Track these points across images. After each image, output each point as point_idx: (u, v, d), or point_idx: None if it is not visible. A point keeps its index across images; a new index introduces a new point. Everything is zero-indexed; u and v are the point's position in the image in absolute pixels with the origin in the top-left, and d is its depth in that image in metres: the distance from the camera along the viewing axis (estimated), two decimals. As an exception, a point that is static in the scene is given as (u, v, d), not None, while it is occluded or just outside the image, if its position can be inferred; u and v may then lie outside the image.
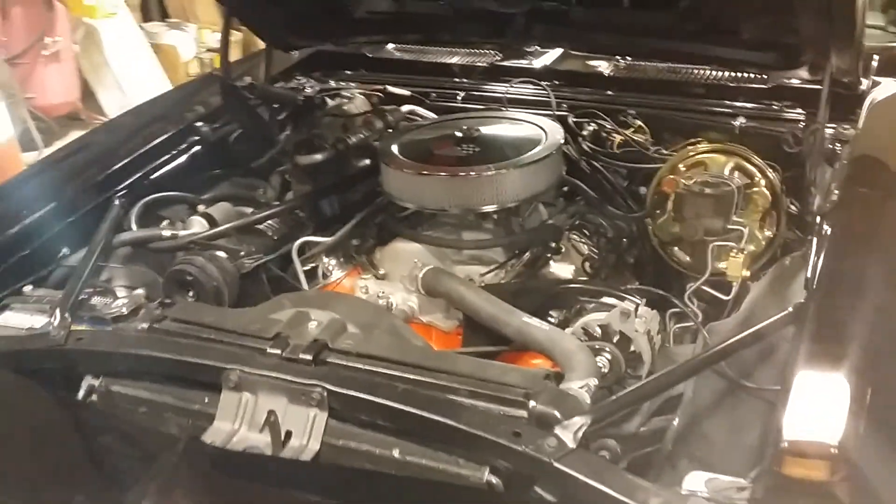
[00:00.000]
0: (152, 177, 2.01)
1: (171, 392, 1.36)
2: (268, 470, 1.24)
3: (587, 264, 1.83)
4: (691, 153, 1.89)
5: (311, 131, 2.08)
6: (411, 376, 1.26)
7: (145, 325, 1.43)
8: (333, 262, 1.82)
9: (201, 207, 1.93)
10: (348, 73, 2.43)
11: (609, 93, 2.13)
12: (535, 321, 1.46)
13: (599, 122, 2.04)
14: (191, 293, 1.69)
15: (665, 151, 1.96)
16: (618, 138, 2.00)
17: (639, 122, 2.02)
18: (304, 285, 1.76)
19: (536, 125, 1.91)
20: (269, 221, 1.88)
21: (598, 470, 1.12)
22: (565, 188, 1.98)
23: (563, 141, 1.84)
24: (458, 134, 1.87)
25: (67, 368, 1.42)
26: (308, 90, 2.29)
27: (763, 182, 1.81)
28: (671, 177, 1.85)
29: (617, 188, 1.96)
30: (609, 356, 1.45)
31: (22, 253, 1.73)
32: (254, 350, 1.33)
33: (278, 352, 1.31)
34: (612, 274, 1.88)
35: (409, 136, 1.93)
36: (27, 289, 1.65)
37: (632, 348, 1.47)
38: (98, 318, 1.49)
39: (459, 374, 1.27)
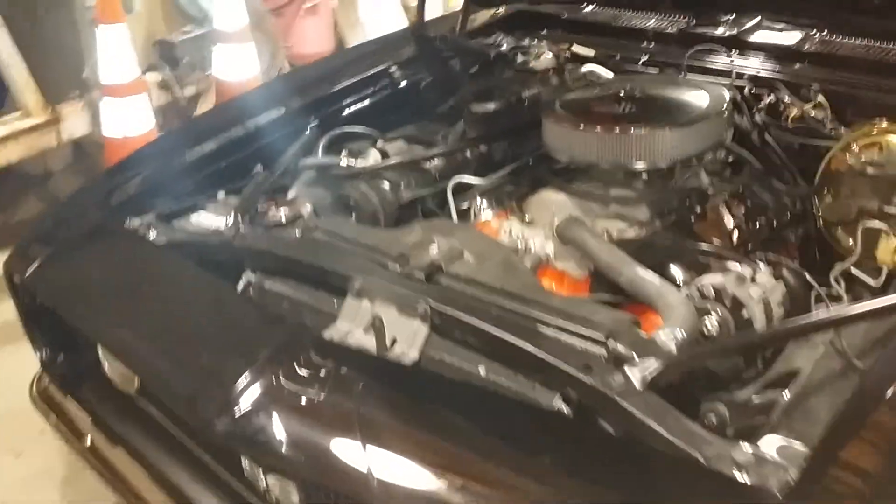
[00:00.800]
0: (344, 112, 2.23)
1: (307, 292, 1.55)
2: (372, 368, 1.38)
3: (735, 234, 1.81)
4: (868, 132, 1.79)
5: (491, 83, 2.19)
6: (507, 304, 1.35)
7: (298, 233, 1.63)
8: (486, 203, 1.93)
9: (380, 143, 2.11)
10: (544, 32, 2.51)
11: (797, 66, 2.05)
12: (648, 274, 1.48)
13: (778, 94, 1.98)
14: (353, 216, 1.88)
15: (843, 130, 1.87)
16: (794, 112, 1.94)
17: (820, 98, 1.94)
18: (455, 221, 1.88)
19: (703, 90, 1.90)
20: (436, 162, 2.02)
21: (658, 412, 1.15)
22: (731, 158, 1.96)
23: (724, 107, 1.82)
24: (621, 94, 1.90)
25: (234, 263, 1.65)
26: (501, 46, 2.40)
27: (939, 168, 1.69)
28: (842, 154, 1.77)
29: (785, 162, 1.90)
30: (717, 318, 1.45)
31: (222, 164, 2.00)
32: (379, 264, 1.48)
33: (398, 268, 1.45)
34: (764, 249, 1.84)
35: (575, 94, 1.98)
36: (220, 195, 1.91)
37: (744, 314, 1.46)
38: (263, 224, 1.71)
39: (552, 307, 1.34)
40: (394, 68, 2.31)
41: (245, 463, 1.32)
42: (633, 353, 1.23)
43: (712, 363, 1.36)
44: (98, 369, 1.70)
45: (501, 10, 2.58)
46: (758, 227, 1.83)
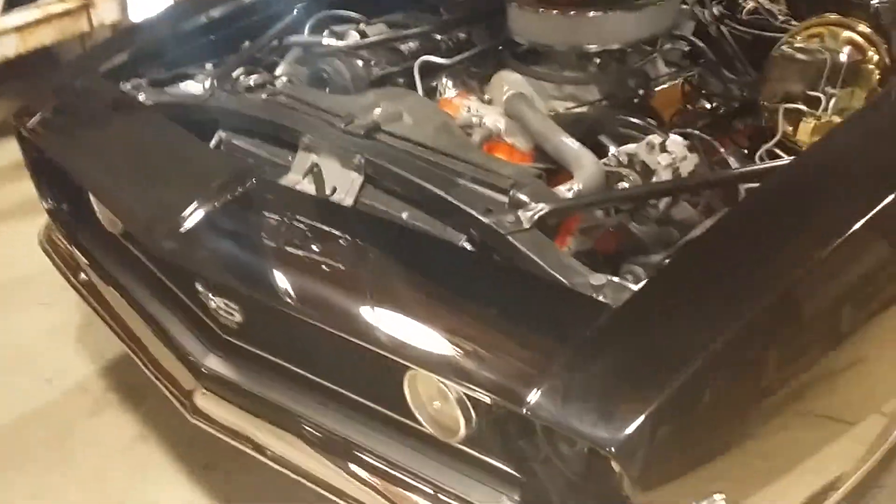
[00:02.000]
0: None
1: (267, 147, 1.73)
2: (313, 212, 1.55)
3: (676, 114, 1.92)
4: (811, 24, 1.88)
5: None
6: (431, 158, 1.52)
7: (264, 96, 1.80)
8: (451, 82, 2.06)
9: (363, 26, 2.24)
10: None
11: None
12: (570, 141, 1.63)
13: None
14: (327, 89, 2.04)
15: (794, 22, 1.96)
16: (749, 5, 2.02)
17: (777, -8, 2.02)
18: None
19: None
20: (411, 44, 2.15)
21: (543, 249, 1.32)
22: (688, 48, 2.06)
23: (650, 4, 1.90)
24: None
25: (209, 122, 1.83)
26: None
27: (876, 59, 1.77)
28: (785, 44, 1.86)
29: (736, 52, 1.99)
30: (629, 182, 1.58)
31: (213, 37, 2.16)
32: (327, 123, 1.65)
33: (342, 125, 1.62)
34: (712, 132, 1.94)
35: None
36: (208, 66, 2.08)
37: (653, 180, 1.59)
38: (235, 88, 1.88)
39: (470, 162, 1.50)
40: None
41: (198, 286, 1.52)
42: (529, 199, 1.38)
43: (642, 233, 1.51)
44: (93, 215, 1.92)
45: None
46: (700, 110, 1.94)
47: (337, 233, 1.39)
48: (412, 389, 1.29)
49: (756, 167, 1.52)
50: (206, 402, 1.55)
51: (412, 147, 1.56)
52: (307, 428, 1.46)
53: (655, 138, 1.58)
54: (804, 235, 1.23)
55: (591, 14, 1.86)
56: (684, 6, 2.07)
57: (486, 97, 2.01)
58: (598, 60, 1.94)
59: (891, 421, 1.42)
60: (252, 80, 1.87)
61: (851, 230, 1.22)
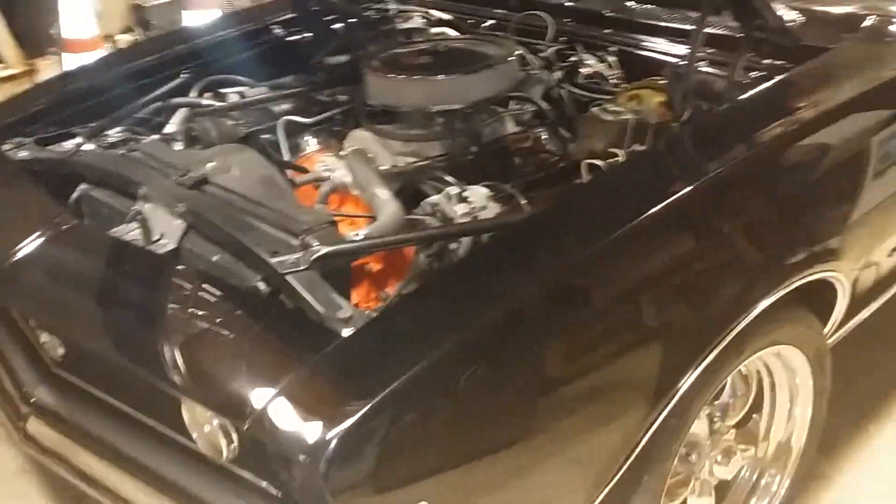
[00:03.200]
0: (227, 62, 2.55)
1: (117, 198, 1.88)
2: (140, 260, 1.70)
3: (506, 168, 2.06)
4: (633, 87, 2.05)
5: (351, 40, 2.49)
6: (243, 206, 1.67)
7: (121, 151, 1.97)
8: (313, 139, 2.23)
9: (245, 88, 2.42)
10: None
11: (608, 31, 2.31)
12: (381, 192, 1.78)
13: (581, 55, 2.25)
14: (198, 146, 2.20)
15: (625, 85, 2.13)
16: (587, 69, 2.20)
17: (610, 59, 2.20)
18: (284, 154, 2.19)
19: (505, 47, 2.15)
20: (283, 106, 2.33)
21: (313, 287, 1.45)
22: (533, 109, 2.22)
23: (506, 61, 2.07)
24: (429, 48, 2.19)
25: (74, 175, 2.00)
26: (384, 10, 2.69)
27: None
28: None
29: (566, 111, 2.15)
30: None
31: (104, 98, 2.32)
32: (164, 175, 1.81)
33: (175, 178, 1.78)
34: (547, 184, 2.09)
35: (397, 49, 2.26)
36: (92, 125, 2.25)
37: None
38: (101, 145, 2.05)
39: (276, 210, 1.65)
40: (276, 26, 2.62)
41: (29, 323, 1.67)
42: (317, 242, 1.53)
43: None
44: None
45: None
46: (529, 164, 2.09)
47: (138, 276, 1.54)
48: (190, 414, 1.42)
49: (496, 219, 1.68)
50: (36, 429, 1.68)
51: (231, 197, 1.71)
52: (124, 458, 1.58)
53: (453, 190, 1.73)
54: (530, 274, 1.37)
55: (432, 78, 2.03)
56: (534, 70, 2.26)
57: (342, 153, 2.17)
58: (441, 120, 2.10)
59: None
60: (115, 136, 2.04)
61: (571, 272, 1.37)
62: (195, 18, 4.16)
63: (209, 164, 1.81)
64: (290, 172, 2.05)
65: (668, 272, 1.52)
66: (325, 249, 1.49)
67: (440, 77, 2.02)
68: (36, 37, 3.65)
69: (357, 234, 1.61)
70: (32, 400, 1.70)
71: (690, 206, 1.55)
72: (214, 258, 1.64)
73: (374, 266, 1.74)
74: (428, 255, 1.66)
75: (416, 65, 2.12)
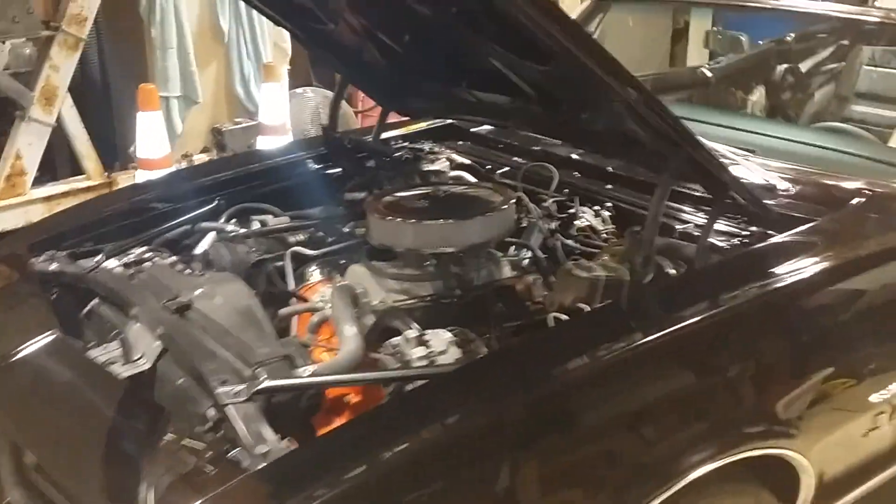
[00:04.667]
0: (261, 190, 2.74)
1: (118, 316, 2.04)
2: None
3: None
4: (616, 244, 2.10)
5: (374, 178, 2.65)
6: (213, 332, 1.79)
7: (131, 272, 2.14)
8: (317, 270, 2.35)
9: (268, 217, 2.60)
10: (461, 143, 2.93)
11: (609, 186, 2.38)
12: (348, 328, 1.86)
13: (580, 207, 2.33)
14: (214, 269, 2.36)
15: (614, 241, 2.19)
16: (580, 223, 2.27)
17: (604, 213, 2.27)
18: (289, 283, 2.32)
19: (503, 195, 2.25)
20: (300, 236, 2.48)
21: (247, 418, 1.53)
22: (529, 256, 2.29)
23: (500, 209, 2.15)
24: (430, 193, 2.31)
25: (86, 291, 2.18)
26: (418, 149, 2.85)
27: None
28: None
29: (560, 261, 2.21)
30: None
31: (140, 219, 2.53)
32: (155, 298, 1.96)
33: (163, 302, 1.92)
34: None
35: (399, 192, 2.38)
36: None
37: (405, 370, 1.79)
38: (121, 263, 2.23)
39: (241, 341, 1.76)
40: (310, 160, 2.82)
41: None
42: (265, 375, 1.62)
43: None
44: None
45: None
46: (513, 311, 2.13)
47: (97, 397, 1.68)
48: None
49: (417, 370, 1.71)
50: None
51: (208, 324, 1.83)
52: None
53: (411, 333, 1.81)
54: (430, 425, 1.44)
55: (426, 223, 2.14)
56: (534, 219, 2.34)
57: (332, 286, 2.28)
58: (433, 261, 2.20)
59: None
60: (136, 256, 2.22)
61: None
62: (268, 143, 4.46)
63: (197, 291, 1.95)
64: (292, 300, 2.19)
65: (602, 429, 1.54)
66: (266, 384, 1.58)
67: (433, 221, 2.13)
68: (116, 153, 3.98)
69: (305, 370, 1.69)
70: (6, 501, 1.82)
71: (627, 367, 1.58)
72: (179, 381, 1.75)
73: (353, 397, 1.81)
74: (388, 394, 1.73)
75: (413, 208, 2.24)
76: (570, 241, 2.26)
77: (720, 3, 3.17)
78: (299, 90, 5.10)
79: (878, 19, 2.76)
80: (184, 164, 4.04)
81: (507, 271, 2.27)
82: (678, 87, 3.85)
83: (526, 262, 2.29)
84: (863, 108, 3.95)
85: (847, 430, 1.84)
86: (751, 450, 1.66)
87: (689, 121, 2.59)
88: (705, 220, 1.95)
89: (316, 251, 2.37)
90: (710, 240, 1.96)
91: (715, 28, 3.15)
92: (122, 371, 1.81)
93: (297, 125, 4.93)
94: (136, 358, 1.85)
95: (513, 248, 2.33)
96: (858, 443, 1.89)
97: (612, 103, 1.69)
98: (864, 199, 2.07)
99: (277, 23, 2.68)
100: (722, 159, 1.99)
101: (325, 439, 1.56)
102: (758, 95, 3.96)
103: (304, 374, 1.68)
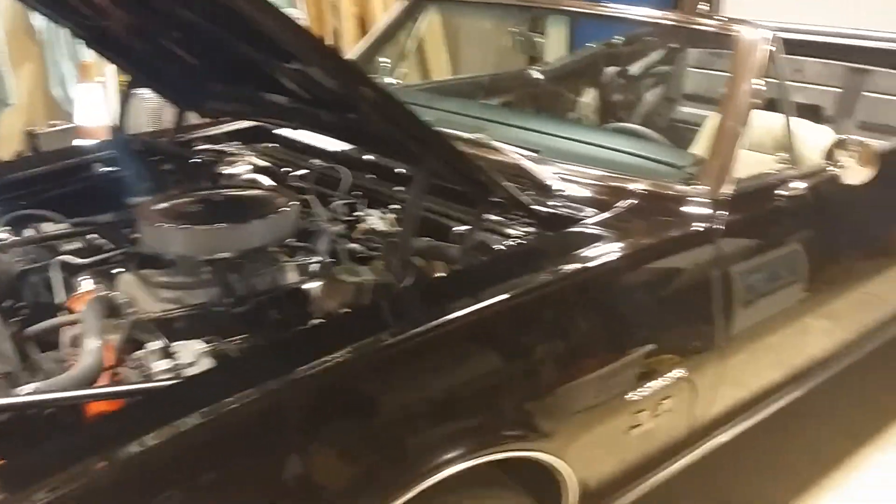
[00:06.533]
0: (46, 195, 2.58)
1: None
2: None
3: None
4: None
5: (163, 181, 2.53)
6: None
7: None
8: (87, 280, 2.21)
9: (46, 224, 2.44)
10: (266, 145, 2.84)
11: (399, 188, 2.34)
12: (90, 342, 1.75)
13: (368, 209, 2.28)
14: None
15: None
16: (364, 226, 2.22)
17: (392, 215, 2.23)
18: (58, 294, 2.17)
19: (284, 198, 2.17)
20: (76, 243, 2.34)
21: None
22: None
23: (279, 213, 2.08)
24: (207, 197, 2.21)
25: None
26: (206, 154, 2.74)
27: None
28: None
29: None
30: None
31: None
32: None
33: None
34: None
35: (176, 196, 2.27)
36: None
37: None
38: None
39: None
40: (99, 163, 2.67)
41: None
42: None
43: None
44: None
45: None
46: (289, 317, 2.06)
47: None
48: None
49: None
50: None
51: None
52: None
53: (155, 345, 1.71)
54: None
55: (197, 228, 2.04)
56: (321, 222, 2.28)
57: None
58: (208, 268, 2.10)
59: None
60: None
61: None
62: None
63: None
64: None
65: (341, 430, 1.50)
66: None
67: (204, 226, 2.03)
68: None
69: (23, 389, 1.57)
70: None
71: (370, 368, 1.55)
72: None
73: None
74: None
75: (186, 213, 2.14)
76: (355, 245, 2.20)
77: (535, 6, 3.17)
78: (137, 91, 4.88)
79: (674, 23, 2.79)
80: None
81: (294, 277, 2.20)
82: (508, 89, 3.87)
83: (314, 266, 2.23)
84: (689, 109, 4.09)
85: (607, 431, 1.84)
86: (503, 451, 1.63)
87: (481, 120, 2.66)
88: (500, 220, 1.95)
89: (88, 259, 2.24)
90: (491, 240, 1.95)
91: (516, 30, 3.17)
92: None
93: (135, 127, 4.72)
94: None
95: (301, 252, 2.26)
96: (622, 443, 1.90)
97: (359, 105, 1.65)
98: (634, 201, 2.09)
99: (55, 20, 2.53)
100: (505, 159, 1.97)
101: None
102: (590, 97, 4.03)
103: (22, 393, 1.56)
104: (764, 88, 2.19)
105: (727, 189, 2.12)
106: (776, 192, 2.24)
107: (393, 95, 1.60)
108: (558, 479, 1.77)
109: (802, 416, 2.85)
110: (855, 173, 2.18)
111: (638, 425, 1.89)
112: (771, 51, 2.26)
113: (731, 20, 2.37)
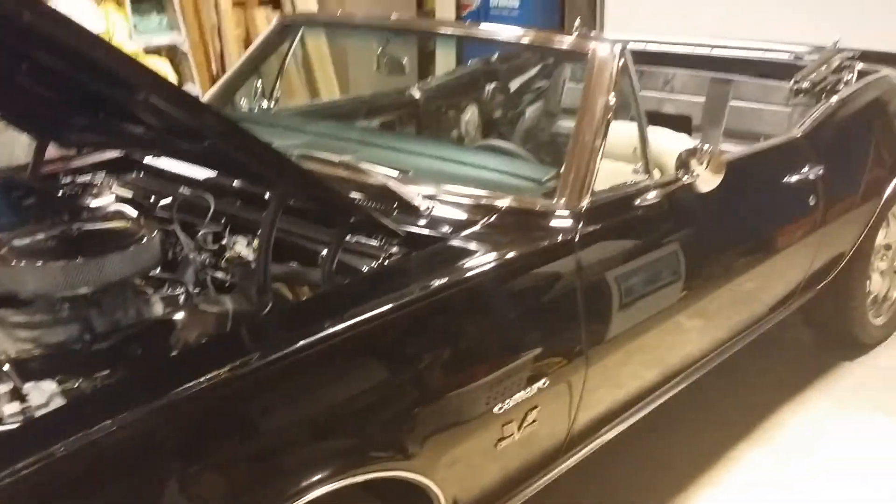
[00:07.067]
0: None
1: None
2: None
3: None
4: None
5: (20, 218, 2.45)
6: None
7: None
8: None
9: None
10: (133, 176, 2.77)
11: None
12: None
13: (234, 237, 2.25)
14: None
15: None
16: (230, 254, 2.20)
17: (253, 245, 2.21)
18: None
19: (146, 229, 2.13)
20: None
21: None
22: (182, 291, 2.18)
23: (138, 244, 2.03)
24: (63, 232, 2.15)
25: None
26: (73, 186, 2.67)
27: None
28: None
29: (191, 294, 2.12)
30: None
31: None
32: None
33: None
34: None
35: (38, 231, 2.20)
36: None
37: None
38: None
39: None
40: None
41: None
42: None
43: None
44: None
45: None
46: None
47: None
48: None
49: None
50: None
51: None
52: None
53: (5, 387, 1.66)
54: None
55: (49, 265, 1.97)
56: (187, 252, 2.24)
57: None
58: (66, 305, 2.04)
59: None
60: None
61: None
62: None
63: None
64: None
65: (205, 452, 1.49)
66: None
67: (56, 262, 1.97)
68: None
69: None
70: None
71: (229, 393, 1.54)
72: None
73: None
74: None
75: (40, 250, 2.07)
76: (219, 274, 2.17)
77: (390, 27, 3.21)
78: (-6, 125, 4.72)
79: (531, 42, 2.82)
80: None
81: (159, 309, 2.16)
82: (388, 108, 3.89)
83: (177, 297, 2.19)
84: (569, 123, 4.19)
85: (474, 446, 1.86)
86: (370, 472, 1.64)
87: (354, 142, 2.67)
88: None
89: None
90: (355, 261, 1.96)
91: (380, 50, 3.21)
92: None
93: (9, 161, 4.55)
94: None
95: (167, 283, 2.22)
96: (491, 457, 1.92)
97: (205, 134, 1.64)
98: (497, 217, 2.13)
99: None
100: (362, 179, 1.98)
101: None
102: (470, 114, 4.09)
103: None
104: (613, 102, 2.26)
105: (585, 201, 2.18)
106: (633, 202, 2.31)
107: (236, 123, 1.59)
108: (431, 498, 1.78)
109: (678, 414, 2.95)
110: (706, 181, 2.27)
111: (506, 437, 1.92)
112: (623, 63, 2.34)
113: (585, 36, 2.45)
